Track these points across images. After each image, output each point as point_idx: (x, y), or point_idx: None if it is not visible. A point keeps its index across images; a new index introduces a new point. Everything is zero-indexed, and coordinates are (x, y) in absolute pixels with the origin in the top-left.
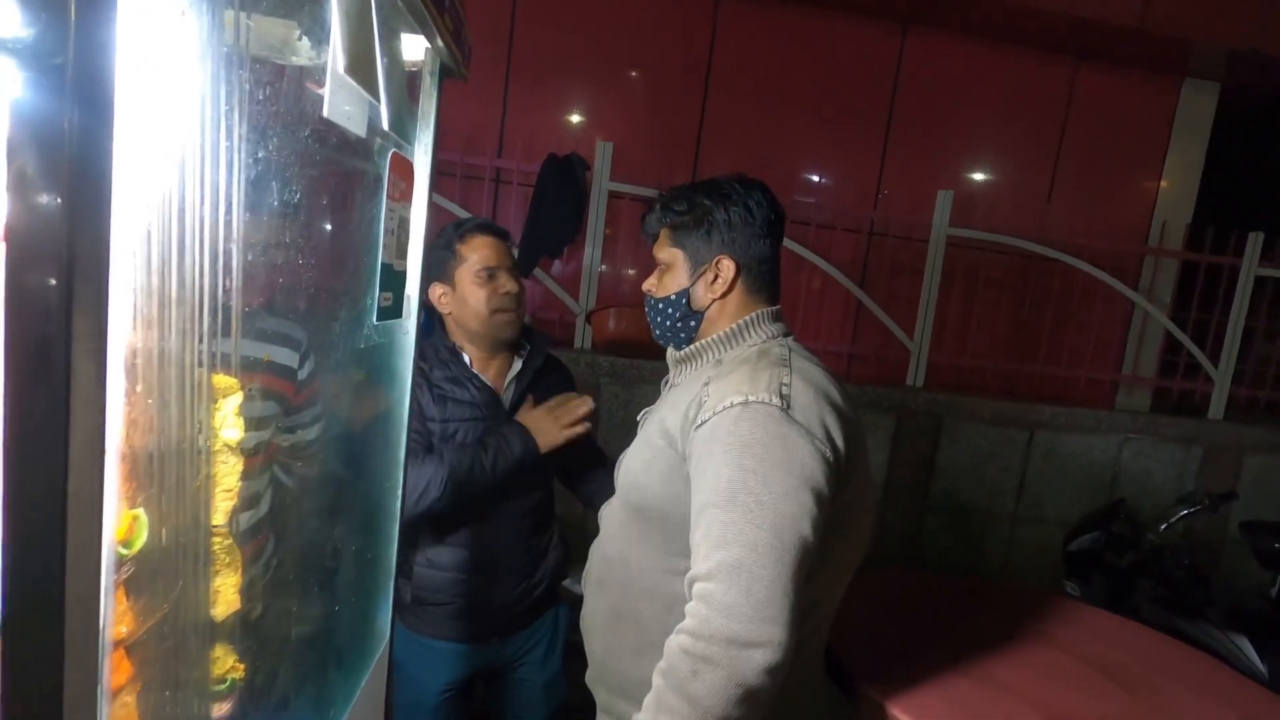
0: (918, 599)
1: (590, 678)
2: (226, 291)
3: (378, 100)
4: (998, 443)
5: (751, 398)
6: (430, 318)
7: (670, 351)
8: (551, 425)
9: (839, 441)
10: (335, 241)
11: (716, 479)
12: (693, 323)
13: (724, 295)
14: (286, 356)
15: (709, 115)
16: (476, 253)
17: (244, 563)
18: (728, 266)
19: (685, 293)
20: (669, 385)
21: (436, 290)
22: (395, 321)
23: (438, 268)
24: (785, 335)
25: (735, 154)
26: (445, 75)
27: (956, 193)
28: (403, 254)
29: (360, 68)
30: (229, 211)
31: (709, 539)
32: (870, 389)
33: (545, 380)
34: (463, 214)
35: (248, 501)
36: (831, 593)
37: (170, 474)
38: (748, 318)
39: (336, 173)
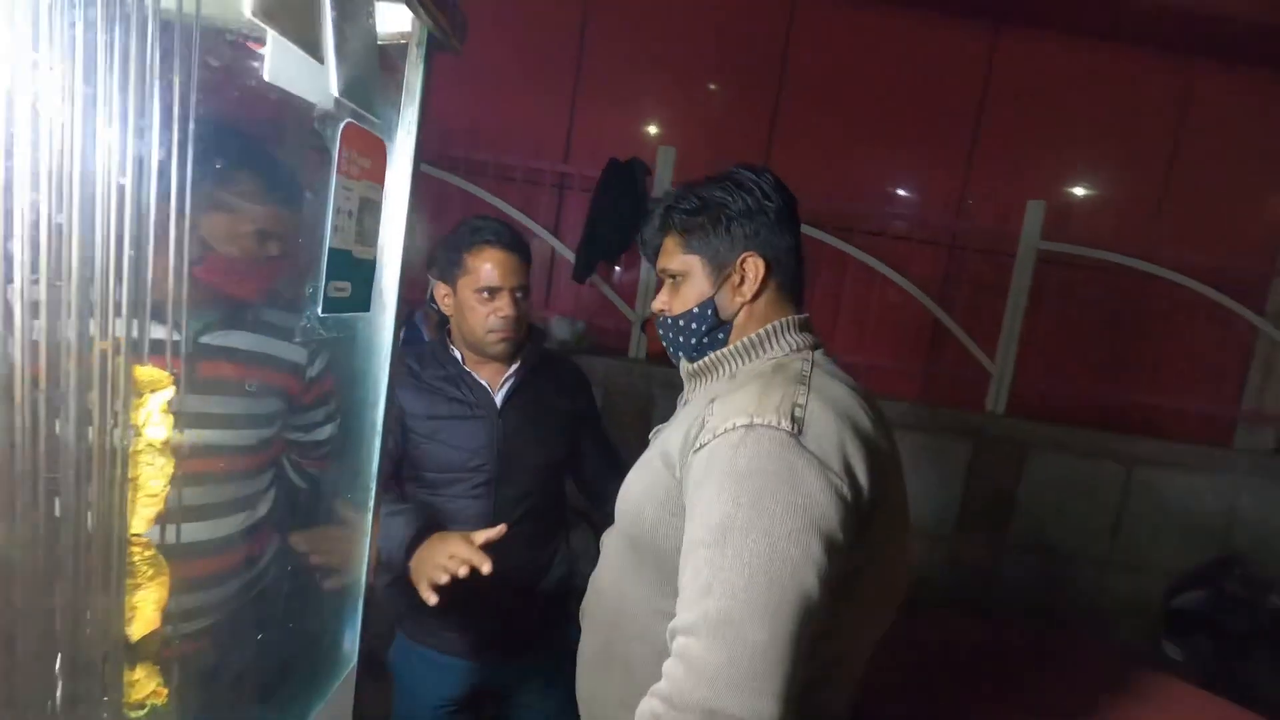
0: (977, 652)
1: (581, 715)
2: (182, 277)
3: (319, 58)
4: (1090, 478)
5: (757, 420)
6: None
7: (683, 364)
8: (429, 563)
9: (861, 475)
10: (269, 220)
11: (708, 513)
12: (721, 335)
13: (753, 299)
14: (291, 351)
15: (780, 119)
16: (481, 268)
17: (237, 568)
18: (756, 264)
19: (710, 302)
20: (683, 402)
21: (440, 289)
22: (359, 316)
23: (445, 267)
24: (814, 348)
25: (807, 160)
26: (435, 48)
27: (1049, 203)
28: (368, 240)
29: (278, 13)
30: (145, 183)
31: (695, 584)
32: (944, 412)
33: (545, 378)
34: (526, 220)
35: (239, 504)
36: (857, 649)
37: (65, 475)
38: (770, 326)
39: (287, 146)
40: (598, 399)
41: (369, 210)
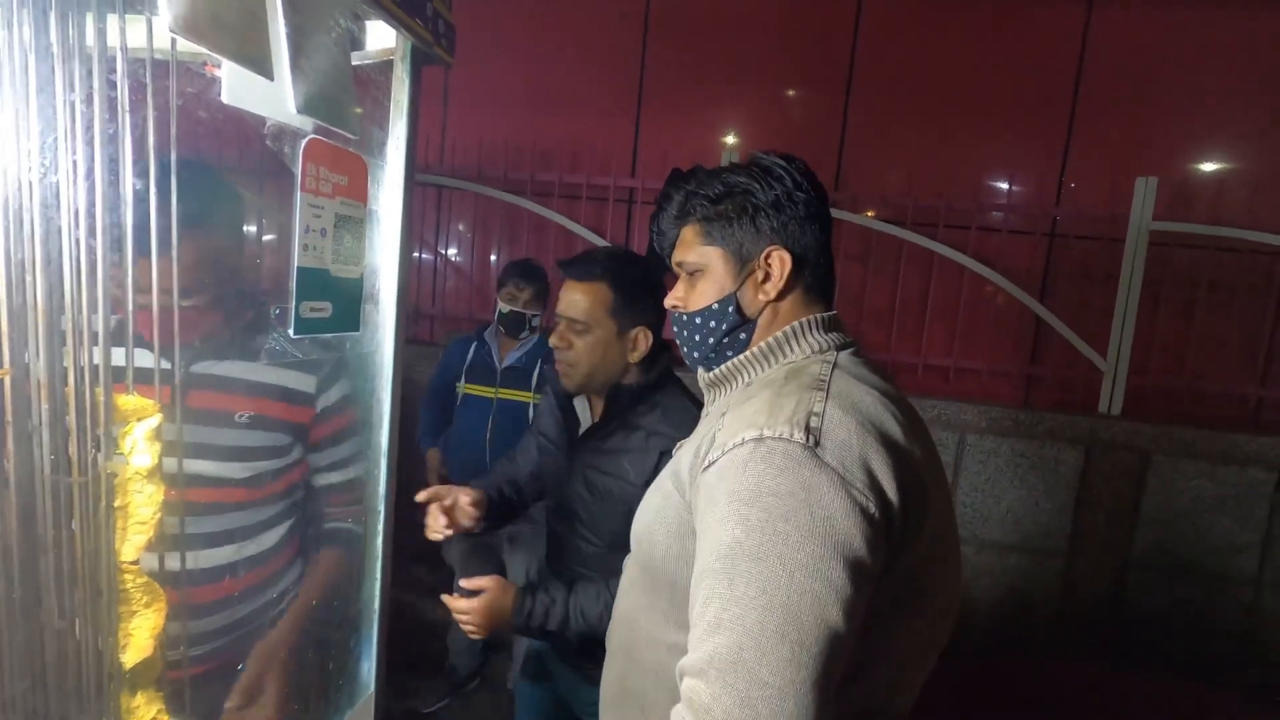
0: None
1: None
2: (168, 301)
3: (267, 75)
4: (1231, 487)
5: (768, 433)
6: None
7: (701, 373)
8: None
9: (890, 489)
10: (229, 242)
11: (717, 539)
12: (743, 335)
13: (778, 298)
14: (294, 379)
15: (852, 115)
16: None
17: (230, 599)
18: (783, 260)
19: (732, 297)
20: (705, 414)
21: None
22: (349, 335)
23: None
24: (840, 347)
25: (883, 155)
26: (423, 62)
27: (1161, 180)
28: (349, 258)
29: (207, 30)
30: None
31: (703, 619)
32: (1049, 416)
33: (627, 426)
34: (595, 238)
35: (229, 535)
36: (902, 687)
37: (43, 504)
38: (791, 326)
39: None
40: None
41: (348, 228)
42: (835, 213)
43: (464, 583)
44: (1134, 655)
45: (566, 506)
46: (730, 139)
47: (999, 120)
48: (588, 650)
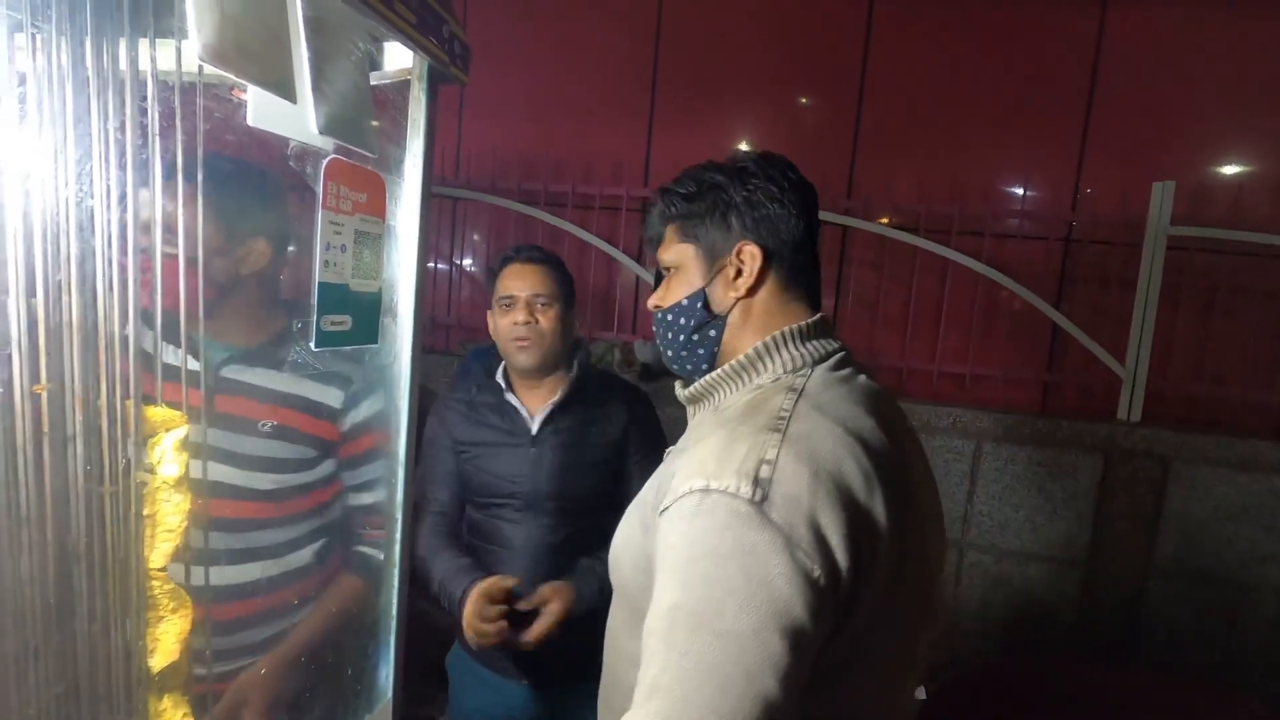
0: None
1: None
2: (191, 311)
3: (290, 98)
4: (1255, 495)
5: (714, 484)
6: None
7: (678, 389)
8: (470, 621)
9: (839, 550)
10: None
11: (660, 597)
12: (712, 332)
13: (749, 293)
14: (319, 392)
15: (864, 122)
16: (502, 281)
17: (255, 619)
18: (752, 254)
19: (701, 293)
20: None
21: (489, 318)
22: (369, 347)
23: (490, 297)
24: (822, 359)
25: (896, 163)
26: (439, 81)
27: (1179, 184)
28: (369, 273)
29: (234, 57)
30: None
31: (645, 678)
32: (1067, 424)
33: (593, 405)
34: (608, 248)
35: (255, 553)
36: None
37: (76, 512)
38: (768, 340)
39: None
40: (668, 423)
41: (368, 243)
42: (847, 220)
43: (522, 605)
44: (1156, 665)
45: (540, 492)
46: (743, 148)
47: (1013, 125)
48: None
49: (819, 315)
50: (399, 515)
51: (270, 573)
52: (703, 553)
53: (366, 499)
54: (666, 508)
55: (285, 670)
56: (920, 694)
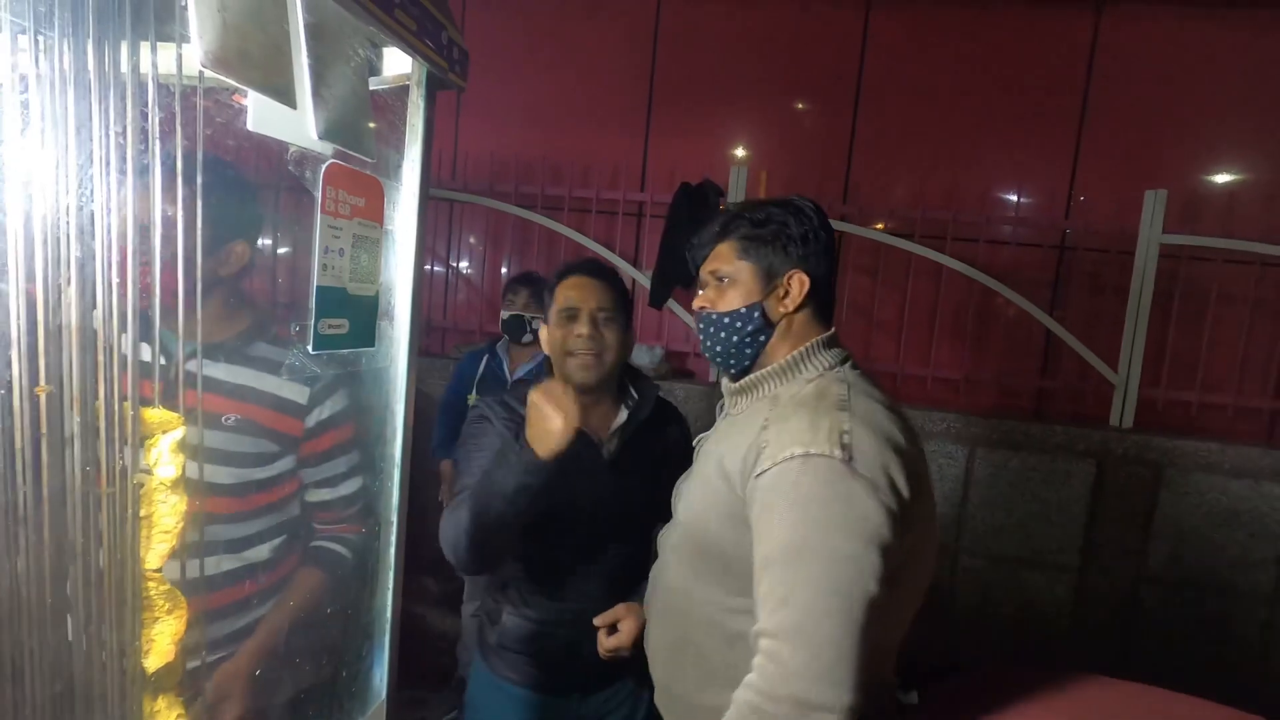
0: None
1: (658, 701)
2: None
3: (290, 104)
4: (1246, 500)
5: (812, 450)
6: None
7: (725, 383)
8: (540, 428)
9: (903, 488)
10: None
11: (778, 536)
12: (762, 338)
13: (794, 311)
14: (280, 386)
15: (860, 130)
16: (564, 293)
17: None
18: (801, 281)
19: (759, 305)
20: (724, 415)
21: (543, 332)
22: (364, 350)
23: (545, 309)
24: (843, 363)
25: (891, 169)
26: (437, 87)
27: (1171, 193)
28: (366, 277)
29: (235, 63)
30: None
31: (772, 596)
32: (1060, 430)
33: (658, 433)
34: (604, 252)
35: (217, 547)
36: (903, 622)
37: (73, 513)
38: (805, 348)
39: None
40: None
41: (365, 247)
42: (844, 226)
43: (598, 620)
44: (1148, 671)
45: (614, 515)
46: (739, 153)
47: (1007, 133)
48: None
49: (833, 329)
50: (394, 519)
51: (226, 567)
52: (811, 499)
53: (326, 494)
54: (765, 471)
55: (259, 663)
56: (912, 698)
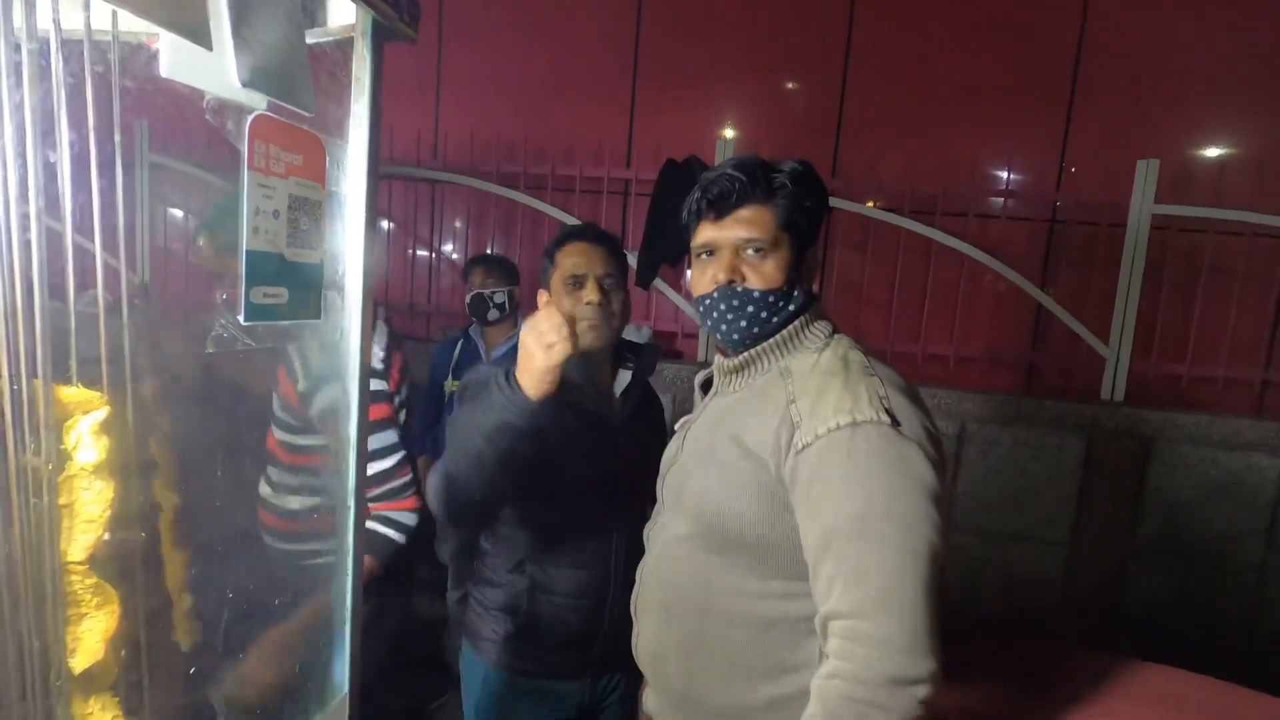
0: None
1: (663, 707)
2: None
3: (205, 45)
4: (1235, 472)
5: (860, 418)
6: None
7: (721, 361)
8: (525, 361)
9: (939, 438)
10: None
11: (840, 509)
12: (792, 308)
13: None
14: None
15: (848, 104)
16: (568, 259)
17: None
18: (816, 258)
19: (801, 284)
20: (714, 394)
21: (542, 297)
22: (311, 322)
23: (543, 274)
24: (834, 331)
25: (879, 142)
26: (385, 37)
27: (1163, 163)
28: (307, 242)
29: None
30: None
31: (844, 573)
32: (1051, 404)
33: (655, 399)
34: None
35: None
36: None
37: None
38: (798, 321)
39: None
40: (667, 405)
41: (305, 210)
42: (833, 201)
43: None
44: (1138, 643)
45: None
46: (726, 129)
47: (997, 106)
48: None
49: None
50: (351, 504)
51: None
52: (873, 467)
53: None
54: (808, 444)
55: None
56: None
